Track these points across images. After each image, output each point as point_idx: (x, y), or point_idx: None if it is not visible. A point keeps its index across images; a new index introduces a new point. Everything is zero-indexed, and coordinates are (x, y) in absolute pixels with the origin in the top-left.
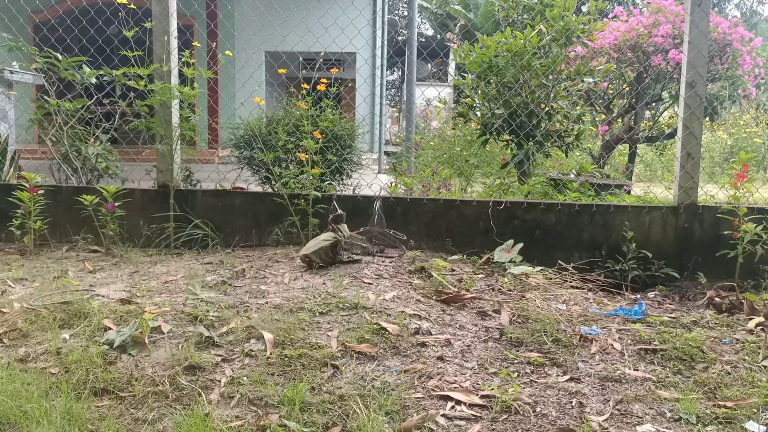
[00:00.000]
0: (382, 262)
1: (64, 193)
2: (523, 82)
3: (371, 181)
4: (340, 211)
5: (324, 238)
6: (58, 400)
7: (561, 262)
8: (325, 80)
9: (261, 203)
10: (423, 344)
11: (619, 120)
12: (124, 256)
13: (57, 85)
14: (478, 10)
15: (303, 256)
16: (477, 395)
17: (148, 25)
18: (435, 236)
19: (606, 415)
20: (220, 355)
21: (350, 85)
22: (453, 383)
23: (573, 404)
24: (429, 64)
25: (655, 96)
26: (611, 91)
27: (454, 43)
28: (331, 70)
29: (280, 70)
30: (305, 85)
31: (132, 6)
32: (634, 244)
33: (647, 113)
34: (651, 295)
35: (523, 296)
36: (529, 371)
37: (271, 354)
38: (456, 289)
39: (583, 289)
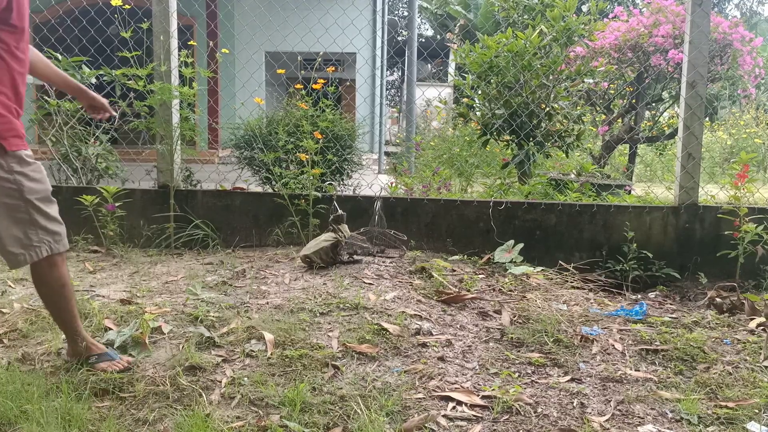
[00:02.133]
0: (383, 262)
1: (65, 193)
2: (523, 83)
3: (372, 181)
4: (340, 212)
5: (324, 239)
6: (59, 400)
7: (562, 263)
8: (322, 80)
9: (261, 203)
10: (424, 345)
11: (620, 120)
12: (125, 256)
13: None
14: (479, 11)
15: (303, 256)
16: (478, 396)
17: (145, 26)
18: (435, 236)
19: (607, 416)
20: (221, 356)
21: (348, 84)
22: (454, 384)
23: (574, 405)
24: (429, 65)
25: (655, 96)
26: (612, 92)
27: (454, 43)
28: (327, 69)
29: (279, 71)
30: (299, 85)
31: (126, 6)
32: (635, 245)
33: (647, 113)
34: (652, 295)
35: (524, 296)
36: (530, 372)
37: (271, 354)
38: (457, 290)
39: (584, 289)
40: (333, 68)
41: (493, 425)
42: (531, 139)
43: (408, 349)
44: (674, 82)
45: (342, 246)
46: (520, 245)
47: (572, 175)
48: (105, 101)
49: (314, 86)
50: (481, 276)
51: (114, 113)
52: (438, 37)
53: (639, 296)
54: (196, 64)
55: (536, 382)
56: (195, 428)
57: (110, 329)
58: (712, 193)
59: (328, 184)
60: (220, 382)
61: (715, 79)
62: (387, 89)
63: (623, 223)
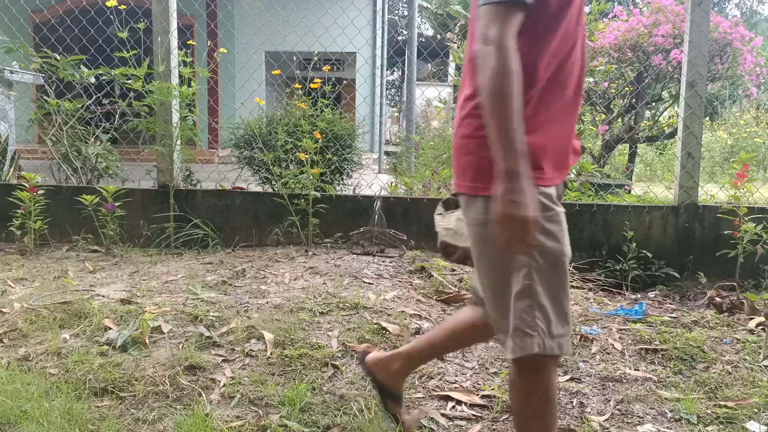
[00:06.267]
0: (383, 261)
1: (64, 192)
2: None
3: (371, 180)
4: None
5: (459, 217)
6: (59, 400)
7: None
8: (319, 79)
9: (261, 203)
10: None
11: (620, 119)
12: (125, 256)
13: (57, 85)
14: None
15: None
16: (478, 395)
17: (141, 26)
18: (435, 236)
19: (607, 415)
20: (221, 355)
21: (346, 82)
22: (453, 383)
23: (574, 404)
24: (429, 64)
25: (655, 96)
26: (612, 91)
27: (455, 43)
28: (323, 69)
29: (274, 72)
30: (298, 85)
31: (123, 6)
32: (635, 244)
33: (647, 113)
34: (651, 294)
35: None
36: None
37: (271, 354)
38: (456, 289)
39: (584, 288)
40: (328, 67)
41: (492, 425)
42: None
43: None
44: (674, 82)
45: None
46: None
47: (572, 175)
48: None
49: (312, 85)
50: None
51: None
52: (438, 36)
53: (638, 296)
54: (196, 64)
55: None
56: (195, 428)
57: (110, 329)
58: (712, 192)
59: (328, 183)
60: (220, 381)
61: (715, 79)
62: (387, 89)
63: (623, 223)
